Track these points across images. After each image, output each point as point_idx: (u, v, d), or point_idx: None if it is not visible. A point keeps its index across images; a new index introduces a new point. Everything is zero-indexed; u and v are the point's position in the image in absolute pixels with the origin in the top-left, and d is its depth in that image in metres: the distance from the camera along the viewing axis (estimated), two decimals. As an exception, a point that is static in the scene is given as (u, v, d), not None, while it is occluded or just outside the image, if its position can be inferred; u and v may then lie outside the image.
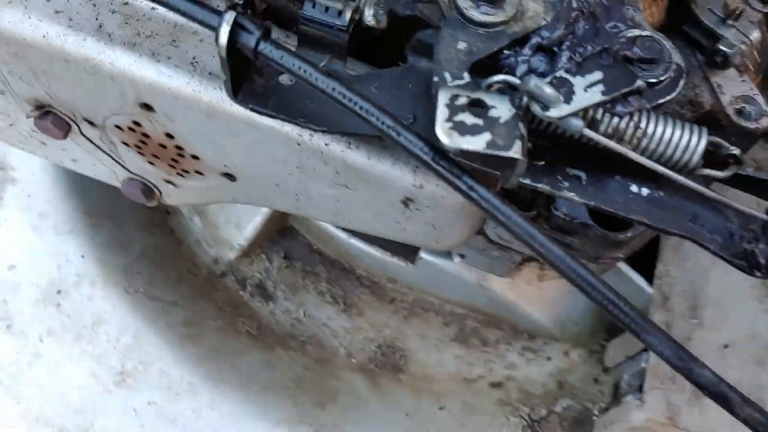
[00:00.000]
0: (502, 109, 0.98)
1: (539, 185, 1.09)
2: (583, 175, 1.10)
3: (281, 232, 2.06)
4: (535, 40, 1.10)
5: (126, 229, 1.90)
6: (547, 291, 1.91)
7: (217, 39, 1.00)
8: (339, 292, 1.98)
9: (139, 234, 1.93)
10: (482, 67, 1.11)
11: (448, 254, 1.91)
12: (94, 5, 1.26)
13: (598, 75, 1.01)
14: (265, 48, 1.01)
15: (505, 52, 1.10)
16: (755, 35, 1.36)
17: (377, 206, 1.31)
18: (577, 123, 0.98)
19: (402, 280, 1.99)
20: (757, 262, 1.05)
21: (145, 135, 1.39)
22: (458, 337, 1.96)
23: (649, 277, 1.84)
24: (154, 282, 1.87)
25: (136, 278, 1.85)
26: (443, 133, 0.95)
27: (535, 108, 0.97)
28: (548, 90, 0.97)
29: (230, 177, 1.42)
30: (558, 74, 1.01)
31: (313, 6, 1.08)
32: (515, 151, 0.95)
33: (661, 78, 1.09)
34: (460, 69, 1.05)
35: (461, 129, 0.95)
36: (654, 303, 1.76)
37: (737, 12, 1.34)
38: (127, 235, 1.91)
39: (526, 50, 1.09)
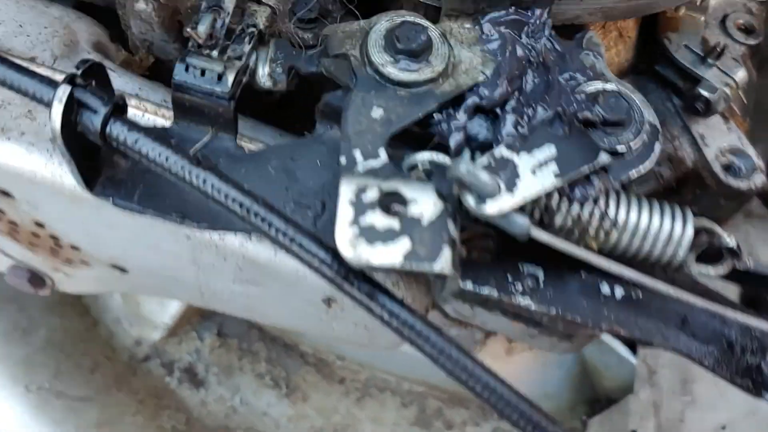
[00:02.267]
0: (425, 204, 0.74)
1: (484, 290, 0.85)
2: (540, 273, 0.87)
3: (214, 305, 1.80)
4: (471, 100, 0.87)
5: (30, 312, 1.64)
6: (517, 365, 1.68)
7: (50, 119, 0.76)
8: (281, 373, 1.72)
9: (46, 317, 1.67)
10: (405, 137, 0.89)
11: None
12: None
13: (550, 150, 0.78)
14: (115, 130, 0.77)
15: (435, 116, 0.87)
16: (740, 74, 1.14)
17: (295, 304, 1.07)
18: (522, 222, 0.74)
19: (352, 356, 1.73)
20: (765, 380, 0.82)
21: (13, 223, 1.14)
22: (419, 420, 1.71)
23: (632, 346, 1.61)
24: (61, 375, 1.61)
25: (40, 372, 1.59)
26: (345, 244, 0.71)
27: (468, 201, 0.74)
28: (484, 177, 0.73)
29: (120, 269, 1.17)
30: (497, 153, 0.77)
31: (186, 69, 0.85)
32: (442, 265, 0.71)
33: (632, 144, 0.86)
34: (375, 144, 0.81)
35: (370, 236, 0.71)
36: (639, 377, 1.53)
37: (718, 49, 1.12)
38: (30, 319, 1.65)
39: (461, 114, 0.86)
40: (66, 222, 1.07)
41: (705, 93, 1.10)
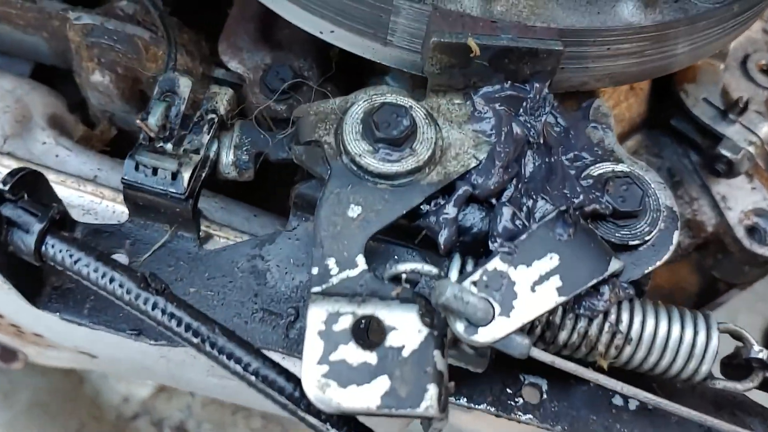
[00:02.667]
0: (407, 332, 0.64)
1: (480, 406, 0.75)
2: (543, 384, 0.76)
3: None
4: (463, 190, 0.76)
5: (12, 374, 1.56)
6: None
7: (-21, 239, 0.67)
8: (276, 428, 1.63)
9: (29, 377, 1.58)
10: (390, 232, 0.78)
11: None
12: None
13: (551, 261, 0.67)
14: (52, 249, 0.67)
15: (422, 206, 0.76)
16: (766, 129, 1.02)
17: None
18: (521, 342, 0.64)
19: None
20: None
21: (-28, 311, 1.05)
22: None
23: None
24: (45, 439, 1.52)
25: (24, 437, 1.51)
26: (312, 386, 0.61)
27: (457, 329, 0.63)
28: (475, 302, 0.63)
29: (89, 355, 1.08)
30: (491, 266, 0.67)
31: (136, 168, 0.75)
32: (427, 406, 0.61)
33: (647, 238, 0.75)
34: (351, 251, 0.71)
35: (342, 375, 0.61)
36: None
37: (741, 104, 1.00)
38: (12, 382, 1.57)
39: (451, 207, 0.75)
40: (23, 316, 0.98)
41: (727, 153, 0.99)
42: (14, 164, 0.91)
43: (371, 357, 0.62)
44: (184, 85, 0.76)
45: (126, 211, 0.88)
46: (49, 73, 1.11)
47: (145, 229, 0.80)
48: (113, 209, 0.90)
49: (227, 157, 0.80)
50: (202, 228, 0.87)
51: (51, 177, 0.90)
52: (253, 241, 0.81)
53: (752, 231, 1.03)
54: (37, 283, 0.76)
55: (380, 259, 0.82)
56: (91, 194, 0.89)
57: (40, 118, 0.97)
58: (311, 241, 0.81)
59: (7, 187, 0.66)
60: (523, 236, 0.69)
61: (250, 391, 1.07)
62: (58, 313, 0.77)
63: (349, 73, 0.93)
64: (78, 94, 1.04)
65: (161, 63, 0.93)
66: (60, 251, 0.67)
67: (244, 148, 0.81)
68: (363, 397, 0.61)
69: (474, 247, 0.80)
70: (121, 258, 0.79)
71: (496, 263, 0.67)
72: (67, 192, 0.89)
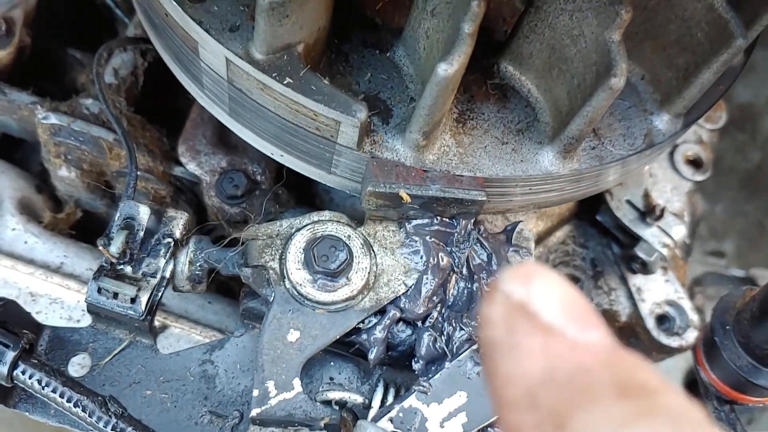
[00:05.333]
0: (330, 464, 0.75)
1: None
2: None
3: None
4: (391, 313, 0.85)
5: None
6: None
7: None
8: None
9: None
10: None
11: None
12: None
13: (460, 398, 0.77)
14: (23, 374, 0.76)
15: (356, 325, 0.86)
16: (679, 233, 1.12)
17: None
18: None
19: None
20: None
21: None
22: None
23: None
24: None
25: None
26: None
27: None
28: (388, 446, 0.73)
29: None
30: (407, 404, 0.77)
31: (99, 291, 0.83)
32: None
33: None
34: (289, 374, 0.80)
35: (272, 504, 0.72)
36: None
37: (658, 212, 1.10)
38: None
39: (380, 330, 0.85)
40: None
41: (642, 255, 1.09)
42: (-16, 253, 0.98)
43: (299, 487, 0.73)
44: (144, 212, 0.84)
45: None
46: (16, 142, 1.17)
47: (107, 334, 0.88)
48: (78, 299, 0.98)
49: (182, 273, 0.88)
50: (159, 319, 0.95)
51: (21, 268, 0.98)
52: (205, 347, 0.90)
53: (662, 319, 1.14)
54: (7, 389, 0.84)
55: (317, 367, 0.92)
56: (58, 285, 0.97)
57: (9, 203, 1.03)
58: (255, 348, 0.90)
59: (-23, 321, 0.74)
60: (438, 375, 0.79)
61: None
62: (27, 412, 0.85)
63: (300, 178, 1.01)
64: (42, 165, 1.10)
65: (124, 161, 0.99)
66: (30, 377, 0.75)
67: (198, 264, 0.89)
68: None
69: (400, 360, 0.90)
70: (84, 360, 0.88)
71: (411, 401, 0.77)
72: (35, 282, 0.97)
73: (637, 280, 1.15)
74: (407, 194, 0.82)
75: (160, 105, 1.07)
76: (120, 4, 1.13)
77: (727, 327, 0.97)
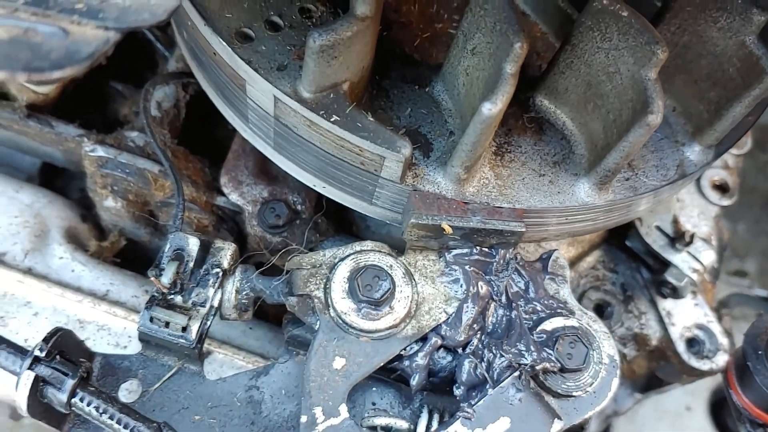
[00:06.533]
0: (379, 491, 0.77)
1: None
2: None
3: None
4: (433, 341, 0.88)
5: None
6: None
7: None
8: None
9: None
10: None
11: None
12: None
13: (504, 424, 0.80)
14: (81, 402, 0.79)
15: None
16: (708, 258, 1.14)
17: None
18: (476, 500, 0.77)
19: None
20: None
21: None
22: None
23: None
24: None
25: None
26: None
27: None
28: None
29: None
30: (452, 429, 0.79)
31: (151, 320, 0.86)
32: None
33: (588, 389, 0.88)
34: (335, 401, 0.83)
35: None
36: None
37: (688, 238, 1.12)
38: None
39: (421, 357, 0.87)
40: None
41: (672, 281, 1.11)
42: (35, 283, 1.01)
43: None
44: (193, 244, 0.87)
45: (135, 329, 1.00)
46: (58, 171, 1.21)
47: (155, 361, 0.91)
48: (124, 326, 1.01)
49: (229, 301, 0.91)
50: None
51: (69, 296, 1.01)
52: (251, 372, 0.93)
53: (692, 342, 1.16)
54: (63, 414, 0.87)
55: (360, 393, 0.94)
56: (105, 312, 1.00)
57: (57, 233, 1.07)
58: (300, 373, 0.93)
59: (42, 354, 0.77)
60: (482, 401, 0.81)
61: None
62: (81, 443, 0.88)
63: (340, 208, 1.04)
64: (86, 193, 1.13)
65: (168, 192, 1.03)
66: (88, 404, 0.78)
67: (244, 293, 0.91)
68: None
69: (441, 386, 0.92)
70: (134, 385, 0.91)
71: (456, 426, 0.80)
72: (83, 310, 1.00)
73: (666, 304, 1.16)
74: (449, 226, 0.85)
75: (199, 136, 1.11)
76: (161, 38, 1.17)
77: (759, 352, 0.99)
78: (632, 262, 1.19)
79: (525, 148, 0.91)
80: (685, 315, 1.16)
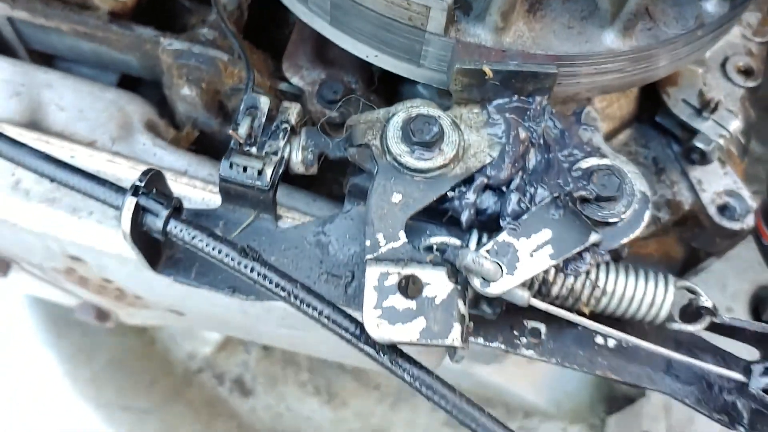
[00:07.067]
0: (438, 287, 0.87)
1: (493, 344, 0.98)
2: (542, 327, 0.99)
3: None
4: (480, 180, 0.98)
5: (92, 335, 1.82)
6: (538, 370, 1.80)
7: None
8: (321, 381, 1.88)
9: (108, 338, 1.84)
10: (424, 210, 1.01)
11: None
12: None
13: (546, 234, 0.90)
14: (175, 228, 0.91)
15: (448, 193, 0.99)
16: (734, 125, 1.23)
17: (335, 342, 1.21)
18: (522, 295, 0.87)
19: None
20: (740, 415, 0.94)
21: (84, 277, 1.30)
22: (449, 421, 1.86)
23: None
24: (125, 390, 1.79)
25: (106, 389, 1.77)
26: (371, 324, 0.84)
27: (474, 283, 0.86)
28: (488, 265, 0.85)
29: (178, 312, 1.33)
30: (501, 238, 0.89)
31: (230, 167, 0.98)
32: (453, 339, 0.84)
33: (623, 215, 0.97)
34: (395, 228, 0.94)
35: (391, 316, 0.85)
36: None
37: (713, 105, 1.21)
38: (93, 342, 1.83)
39: (470, 194, 0.98)
40: (131, 281, 1.23)
41: (700, 145, 1.19)
42: (123, 162, 1.15)
43: (412, 304, 0.86)
44: (264, 102, 0.99)
45: (212, 198, 1.13)
46: (135, 82, 1.35)
47: (234, 212, 1.03)
48: (203, 197, 1.13)
49: (297, 157, 1.03)
50: (274, 209, 1.10)
51: (154, 171, 1.14)
52: (318, 221, 1.04)
53: (723, 209, 1.24)
54: (157, 254, 1.00)
55: (416, 233, 1.04)
56: (185, 185, 1.13)
57: (138, 124, 1.20)
58: (362, 220, 1.04)
59: (142, 184, 0.90)
60: (525, 216, 0.91)
61: (309, 341, 1.31)
62: (171, 276, 1.01)
63: (389, 84, 1.15)
64: (160, 98, 1.27)
65: (237, 79, 1.15)
66: (181, 230, 0.91)
67: (310, 149, 1.03)
68: (407, 332, 0.84)
69: (488, 224, 1.02)
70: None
71: (504, 236, 0.90)
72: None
73: (697, 173, 1.25)
74: (490, 69, 0.95)
75: (260, 37, 1.24)
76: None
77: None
78: (663, 138, 1.27)
79: (554, 5, 1.01)
80: (715, 183, 1.24)
